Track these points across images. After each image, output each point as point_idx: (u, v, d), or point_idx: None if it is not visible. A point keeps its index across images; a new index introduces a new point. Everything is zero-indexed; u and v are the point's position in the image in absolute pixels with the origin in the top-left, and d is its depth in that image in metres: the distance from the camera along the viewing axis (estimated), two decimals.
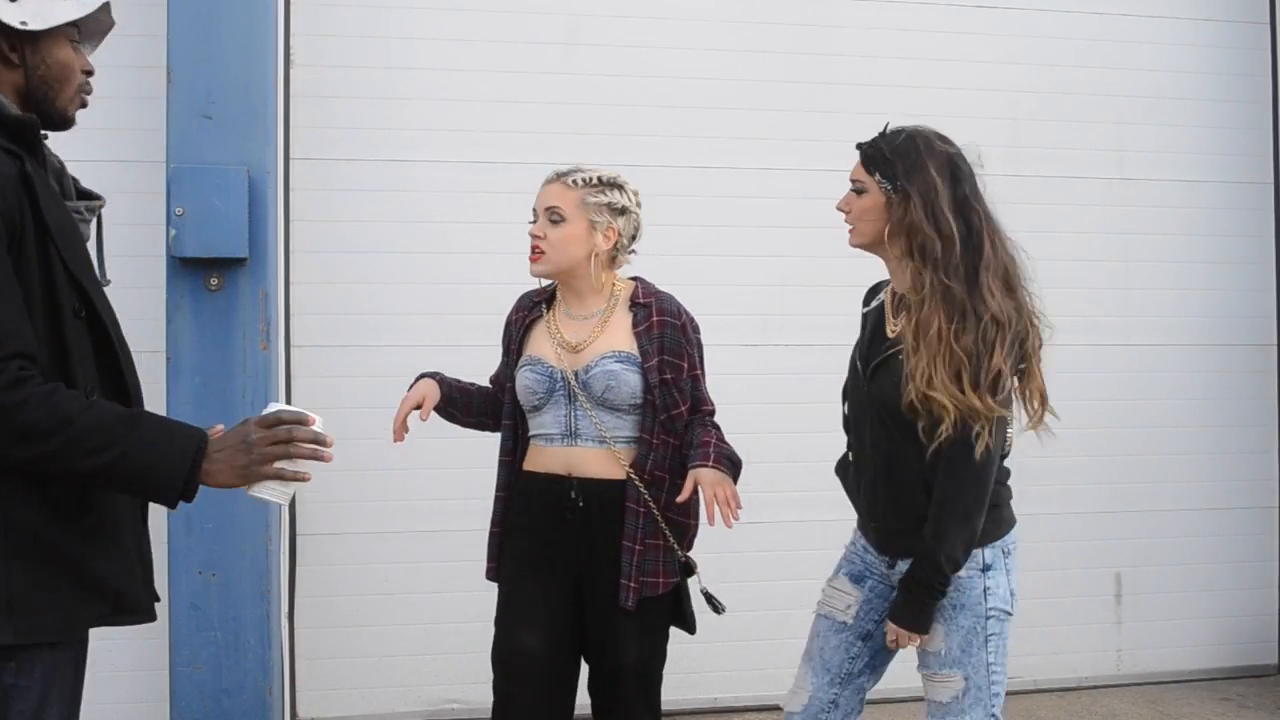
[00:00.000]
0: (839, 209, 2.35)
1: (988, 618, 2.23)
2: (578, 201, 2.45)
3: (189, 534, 3.48)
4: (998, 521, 2.28)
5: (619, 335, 2.46)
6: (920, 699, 2.43)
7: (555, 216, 2.45)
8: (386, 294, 3.98)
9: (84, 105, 1.89)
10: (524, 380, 2.49)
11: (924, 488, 2.23)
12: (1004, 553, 2.28)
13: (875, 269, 2.46)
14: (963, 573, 2.21)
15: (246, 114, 3.53)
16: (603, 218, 2.46)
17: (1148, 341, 4.49)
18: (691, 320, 2.52)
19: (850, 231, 2.34)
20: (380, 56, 3.99)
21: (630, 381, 2.41)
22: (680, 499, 2.33)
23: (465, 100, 4.03)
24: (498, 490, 2.61)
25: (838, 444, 2.51)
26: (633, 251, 2.56)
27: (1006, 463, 2.38)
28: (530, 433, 2.52)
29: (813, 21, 4.26)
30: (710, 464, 2.31)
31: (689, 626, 2.53)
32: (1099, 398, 4.43)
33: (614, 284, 2.53)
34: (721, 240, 4.09)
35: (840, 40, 4.27)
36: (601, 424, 2.42)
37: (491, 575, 2.63)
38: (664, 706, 2.49)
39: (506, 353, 2.62)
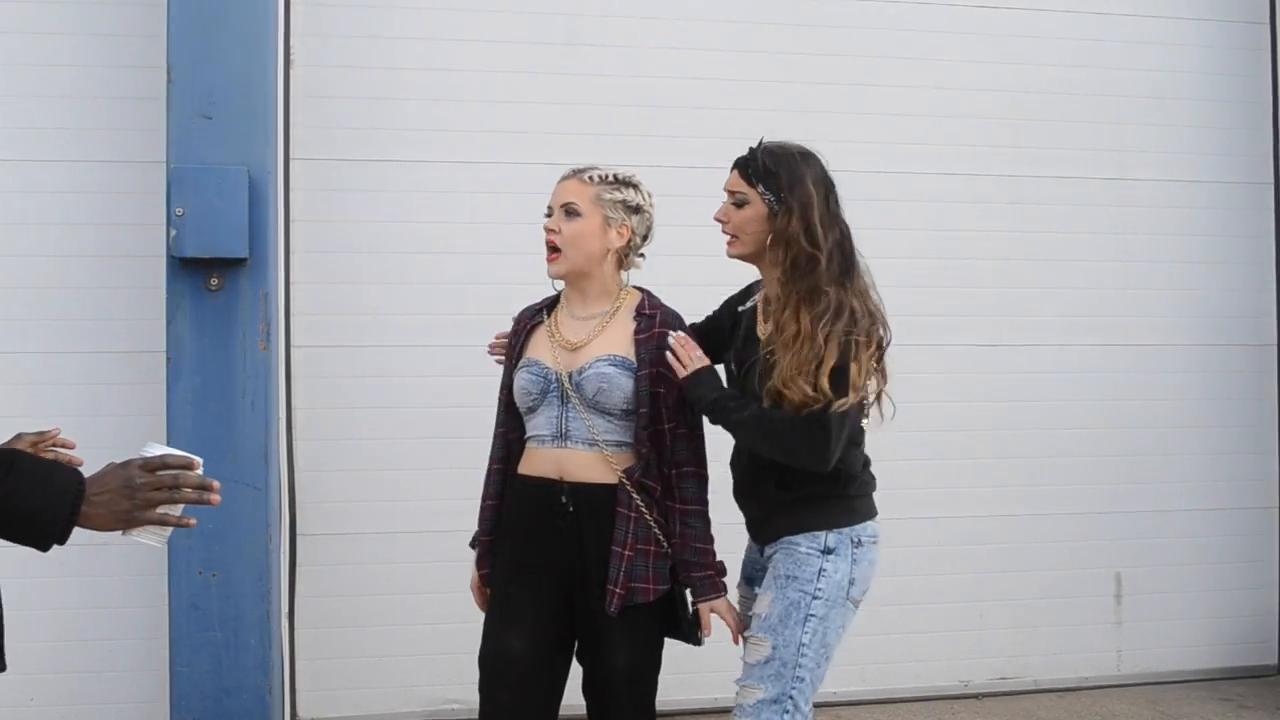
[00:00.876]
0: (717, 219, 2.46)
1: (814, 598, 2.30)
2: (593, 197, 2.45)
3: (189, 534, 3.46)
4: (848, 510, 2.36)
5: (618, 339, 2.44)
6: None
7: (571, 211, 2.45)
8: (386, 294, 3.98)
9: None
10: (520, 381, 2.48)
11: (778, 480, 2.36)
12: (853, 542, 2.34)
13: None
14: (802, 548, 2.32)
15: (246, 114, 3.53)
16: (617, 214, 2.46)
17: (1147, 341, 4.49)
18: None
19: (730, 243, 2.45)
20: (380, 56, 3.99)
21: (623, 386, 2.39)
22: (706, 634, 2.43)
23: (465, 100, 4.03)
24: (486, 500, 2.58)
25: None
26: (641, 254, 2.57)
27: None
28: (525, 435, 2.51)
29: (812, 21, 4.26)
30: (718, 594, 2.41)
31: (687, 637, 2.48)
32: (1099, 398, 4.43)
33: (620, 289, 2.53)
34: (721, 240, 4.08)
35: (840, 40, 4.27)
36: (593, 427, 2.40)
37: (484, 582, 2.59)
38: (664, 706, 2.48)
39: (507, 360, 2.61)
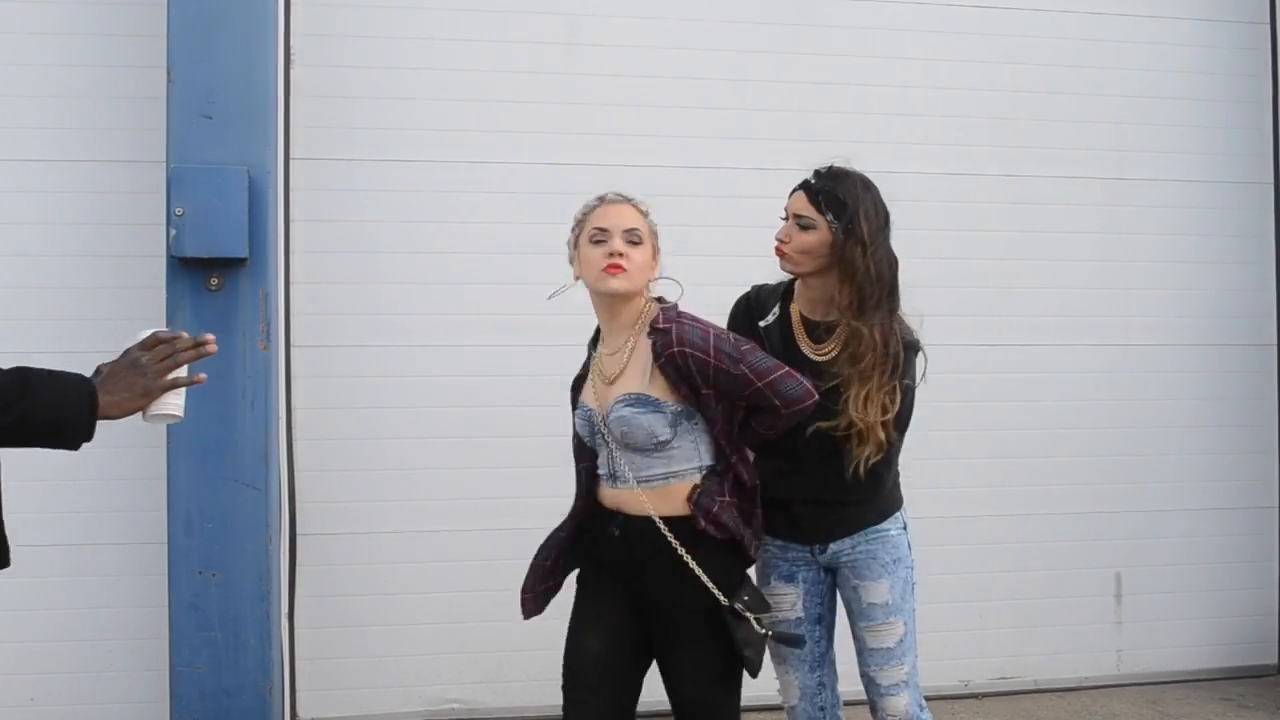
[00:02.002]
0: (778, 239, 2.53)
1: (911, 568, 2.62)
2: (648, 227, 2.47)
3: (189, 534, 3.48)
4: (899, 490, 2.66)
5: (635, 374, 2.39)
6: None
7: (634, 238, 2.41)
8: (386, 294, 3.98)
9: None
10: (577, 425, 2.51)
11: (854, 479, 2.52)
12: (905, 515, 2.66)
13: None
14: (893, 532, 2.59)
15: (246, 114, 3.53)
16: (658, 245, 2.49)
17: (1147, 341, 4.49)
18: (722, 350, 2.36)
19: (788, 260, 2.52)
20: (380, 56, 3.99)
21: (643, 424, 2.34)
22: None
23: (465, 100, 4.03)
24: (559, 531, 2.56)
25: None
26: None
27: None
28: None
29: (812, 21, 4.26)
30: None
31: (749, 667, 2.41)
32: (1099, 398, 4.43)
33: (643, 310, 2.46)
34: (720, 240, 4.09)
35: (840, 40, 4.27)
36: (635, 464, 2.38)
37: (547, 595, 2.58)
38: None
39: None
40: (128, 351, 1.73)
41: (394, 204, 3.99)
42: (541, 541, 2.56)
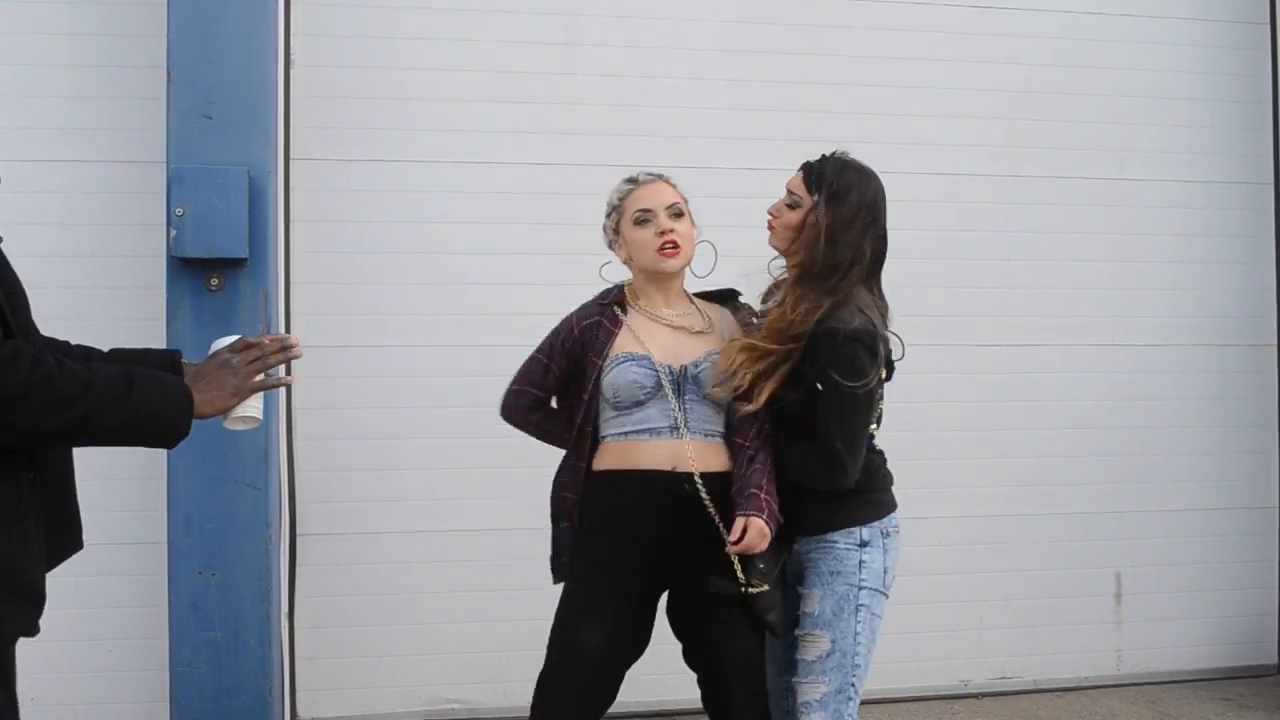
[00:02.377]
0: (769, 212, 2.57)
1: (860, 588, 2.44)
2: (685, 199, 2.60)
3: (189, 534, 3.48)
4: (876, 504, 2.50)
5: (717, 334, 2.57)
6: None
7: (677, 210, 2.56)
8: (386, 294, 3.98)
9: None
10: (629, 375, 2.50)
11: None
12: (882, 534, 2.49)
13: None
14: (840, 545, 2.45)
15: (246, 114, 3.53)
16: (691, 210, 2.60)
17: (1147, 341, 4.49)
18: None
19: (774, 235, 2.57)
20: (380, 56, 3.99)
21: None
22: (733, 539, 2.38)
23: (465, 100, 4.03)
24: (564, 491, 2.61)
25: None
26: None
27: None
28: (620, 430, 2.53)
29: (813, 21, 4.26)
30: (760, 513, 2.41)
31: (772, 629, 2.49)
32: (1099, 398, 4.43)
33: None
34: (719, 240, 4.08)
35: (840, 40, 4.27)
36: (708, 417, 2.50)
37: (561, 573, 2.60)
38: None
39: (569, 357, 2.61)
40: (216, 354, 1.80)
41: (394, 204, 3.99)
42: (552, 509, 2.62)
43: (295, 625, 3.90)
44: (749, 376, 2.39)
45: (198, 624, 3.49)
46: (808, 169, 2.53)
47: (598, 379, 2.54)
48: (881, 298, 2.54)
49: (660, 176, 2.62)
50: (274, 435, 3.60)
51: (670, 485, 2.46)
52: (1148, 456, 4.48)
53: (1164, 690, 4.39)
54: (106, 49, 3.78)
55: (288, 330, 3.86)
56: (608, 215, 2.64)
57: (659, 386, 2.48)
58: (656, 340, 2.54)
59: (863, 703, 2.68)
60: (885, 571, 2.49)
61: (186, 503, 3.47)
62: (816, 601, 2.45)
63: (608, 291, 2.66)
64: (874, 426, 2.50)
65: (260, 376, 1.81)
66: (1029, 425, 4.37)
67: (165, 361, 1.87)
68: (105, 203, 3.77)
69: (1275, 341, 4.59)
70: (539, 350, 2.65)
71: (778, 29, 4.24)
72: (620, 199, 2.60)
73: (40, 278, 3.73)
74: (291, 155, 3.89)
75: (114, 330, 3.78)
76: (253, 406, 1.83)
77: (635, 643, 2.53)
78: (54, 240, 3.76)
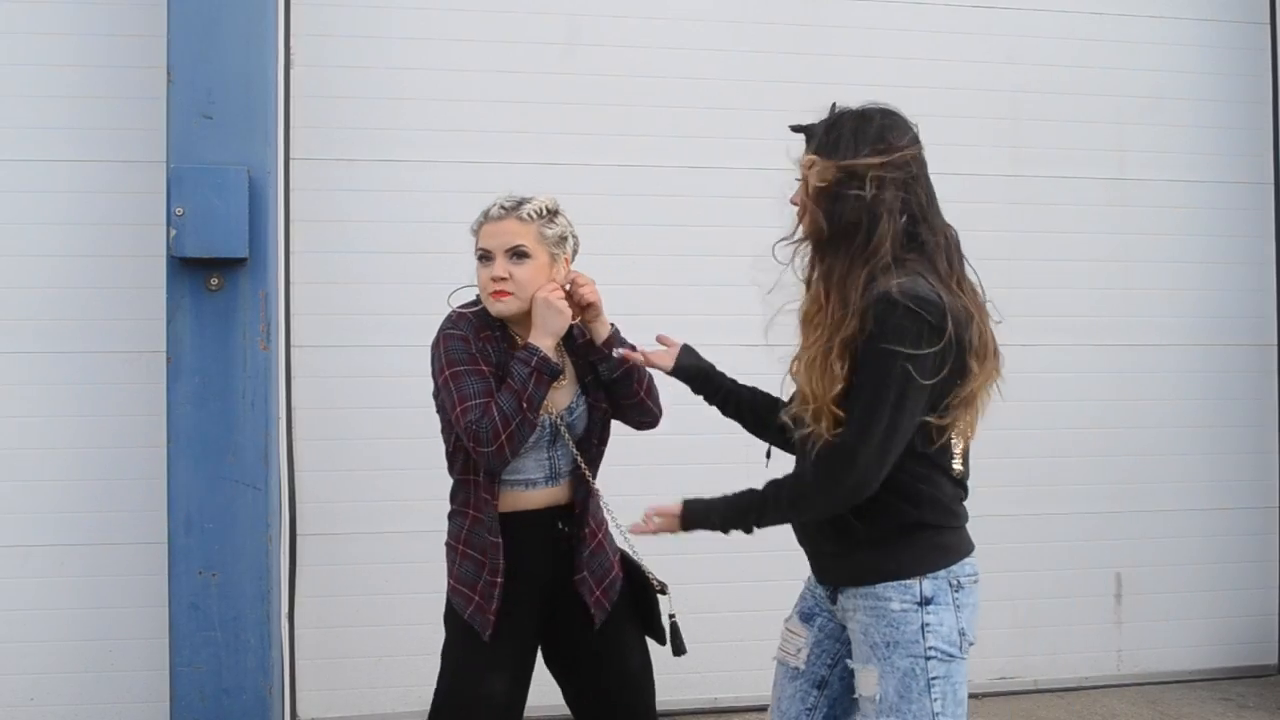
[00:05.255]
0: (791, 202, 2.17)
1: (927, 659, 1.89)
2: (537, 235, 2.33)
3: (189, 534, 3.48)
4: (941, 548, 1.95)
5: (569, 373, 2.43)
6: None
7: (520, 253, 2.31)
8: (386, 294, 3.98)
9: None
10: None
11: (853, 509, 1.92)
12: (951, 586, 1.94)
13: None
14: (895, 604, 1.90)
15: (246, 114, 3.53)
16: (559, 249, 2.37)
17: (1148, 341, 4.49)
18: None
19: (800, 223, 2.17)
20: (380, 56, 3.99)
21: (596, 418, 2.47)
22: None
23: (465, 100, 4.03)
24: (491, 536, 2.33)
25: None
26: None
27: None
28: (504, 476, 2.36)
29: (813, 21, 4.26)
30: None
31: (661, 639, 2.43)
32: (1099, 398, 4.43)
33: None
34: (719, 240, 4.09)
35: (840, 40, 4.27)
36: (569, 457, 2.40)
37: (494, 633, 2.35)
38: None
39: (482, 373, 2.32)
40: None
41: (394, 204, 3.99)
42: (461, 566, 2.39)
43: (295, 625, 3.90)
44: (828, 401, 1.86)
45: (198, 624, 3.49)
46: (804, 131, 2.16)
47: None
48: (963, 278, 2.11)
49: (515, 210, 2.33)
50: (274, 435, 3.60)
51: (549, 526, 2.39)
52: (1148, 456, 4.48)
53: (1164, 690, 4.39)
54: (107, 49, 3.78)
55: (288, 330, 3.86)
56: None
57: (538, 439, 2.34)
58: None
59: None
60: (961, 635, 1.93)
61: (187, 503, 3.47)
62: (874, 683, 1.90)
63: (474, 306, 2.41)
64: (954, 444, 2.04)
65: None
66: (1029, 425, 4.36)
67: None
68: (105, 203, 3.77)
69: (1275, 341, 4.59)
70: (457, 366, 2.31)
71: (778, 29, 4.24)
72: (474, 229, 2.40)
73: (40, 278, 3.77)
74: (291, 155, 3.89)
75: (114, 330, 3.80)
76: None
77: (525, 688, 2.43)
78: (54, 240, 3.76)
